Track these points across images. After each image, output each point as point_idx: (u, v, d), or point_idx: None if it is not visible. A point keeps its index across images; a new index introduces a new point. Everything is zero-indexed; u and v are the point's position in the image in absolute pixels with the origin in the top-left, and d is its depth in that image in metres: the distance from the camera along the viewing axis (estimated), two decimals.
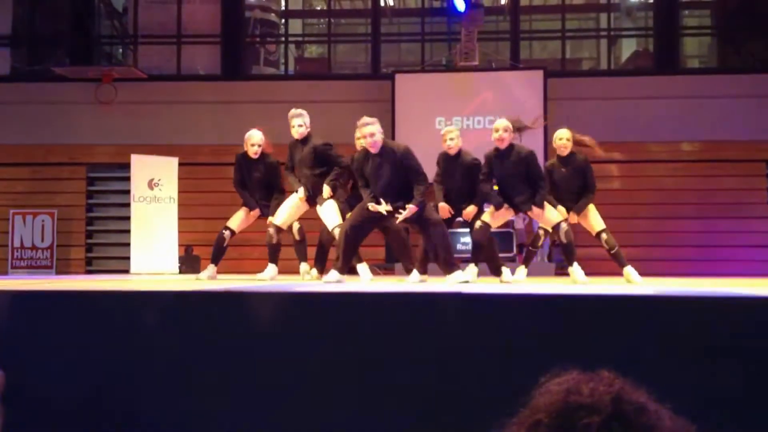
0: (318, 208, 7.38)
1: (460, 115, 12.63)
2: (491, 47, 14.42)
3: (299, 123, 7.43)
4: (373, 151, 6.36)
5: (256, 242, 12.77)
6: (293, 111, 7.54)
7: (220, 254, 7.88)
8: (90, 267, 12.98)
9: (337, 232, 7.02)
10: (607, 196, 12.58)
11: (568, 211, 6.90)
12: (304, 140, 7.53)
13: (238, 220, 7.90)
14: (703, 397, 2.78)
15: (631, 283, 6.69)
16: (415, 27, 14.29)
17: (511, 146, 6.59)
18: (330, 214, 7.24)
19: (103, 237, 13.14)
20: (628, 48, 14.65)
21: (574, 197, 6.95)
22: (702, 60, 14.44)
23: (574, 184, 6.95)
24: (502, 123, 6.65)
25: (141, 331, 3.76)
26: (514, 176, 6.55)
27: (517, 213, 6.99)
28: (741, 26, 12.78)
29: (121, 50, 14.47)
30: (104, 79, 12.95)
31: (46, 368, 3.78)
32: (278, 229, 7.51)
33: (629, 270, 6.85)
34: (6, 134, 13.00)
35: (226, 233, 7.83)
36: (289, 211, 7.51)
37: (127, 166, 11.17)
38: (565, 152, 6.97)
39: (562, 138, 7.04)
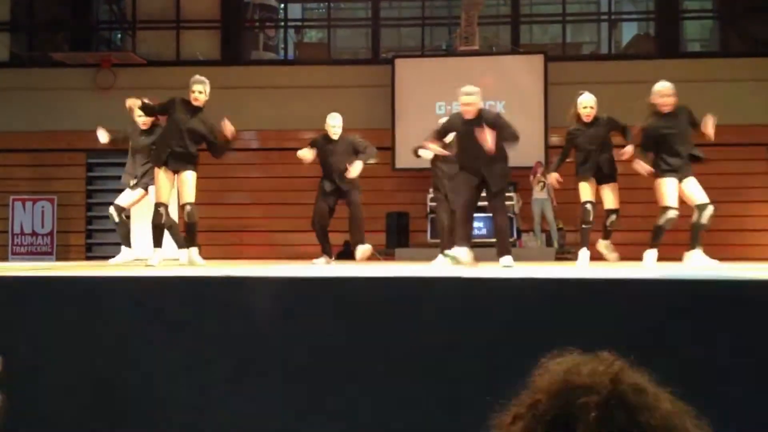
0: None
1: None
2: (492, 31, 14.36)
3: None
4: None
5: (253, 228, 12.79)
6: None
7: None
8: (90, 253, 12.98)
9: None
10: None
11: (599, 177, 7.10)
12: None
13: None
14: (705, 380, 2.78)
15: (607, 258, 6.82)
16: (415, 11, 14.22)
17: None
18: None
19: (103, 223, 13.12)
20: (629, 32, 14.58)
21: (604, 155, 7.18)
22: (703, 44, 14.37)
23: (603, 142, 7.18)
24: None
25: (141, 316, 3.76)
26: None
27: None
28: (742, 9, 12.71)
29: (120, 36, 14.41)
30: (103, 65, 12.91)
31: (45, 353, 3.77)
32: None
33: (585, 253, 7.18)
34: (5, 121, 12.97)
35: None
36: None
37: (126, 152, 11.12)
38: (589, 119, 7.18)
39: (587, 106, 7.19)
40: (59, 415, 3.65)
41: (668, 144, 6.82)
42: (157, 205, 7.03)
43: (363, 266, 6.95)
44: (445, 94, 12.63)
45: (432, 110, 12.60)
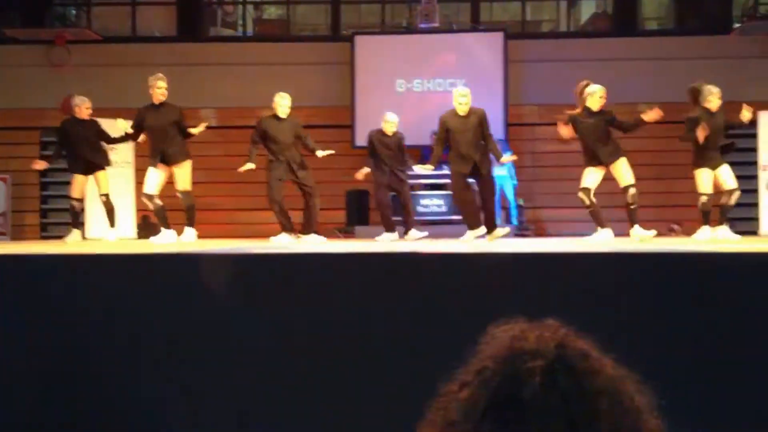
0: None
1: (420, 78, 12.59)
2: (452, 9, 14.32)
3: None
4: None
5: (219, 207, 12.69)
6: None
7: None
8: (45, 233, 12.78)
9: None
10: (568, 157, 12.67)
11: (599, 160, 7.42)
12: None
13: None
14: (652, 350, 2.83)
15: (642, 240, 7.17)
16: None
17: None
18: None
19: (57, 202, 12.92)
20: (587, 10, 14.66)
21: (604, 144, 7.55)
22: (660, 22, 14.51)
23: (603, 131, 7.58)
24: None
25: (97, 295, 3.72)
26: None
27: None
28: None
29: (74, 11, 14.10)
30: (57, 42, 12.64)
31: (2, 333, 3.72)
32: None
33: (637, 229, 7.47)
34: None
35: None
36: None
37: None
38: (597, 107, 7.59)
39: (603, 96, 7.66)
40: (10, 398, 3.61)
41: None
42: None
43: (323, 244, 6.95)
44: (405, 72, 12.61)
45: (392, 88, 12.57)
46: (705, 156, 7.80)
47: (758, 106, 11.27)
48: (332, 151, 8.22)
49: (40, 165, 8.72)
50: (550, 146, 12.75)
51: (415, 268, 3.53)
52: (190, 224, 7.79)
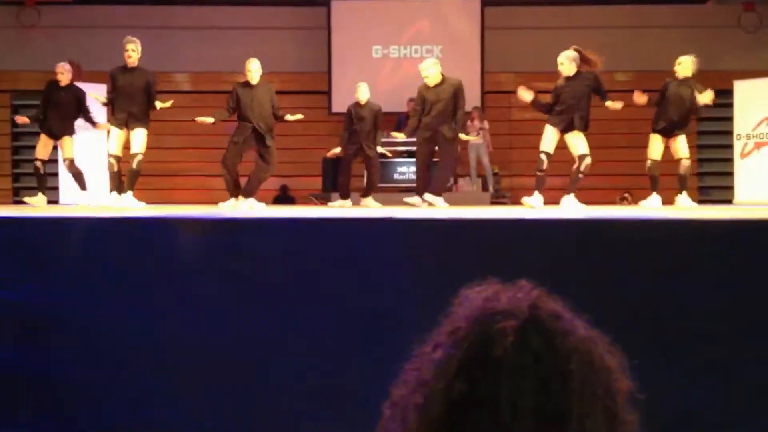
0: None
1: (396, 44, 12.51)
2: None
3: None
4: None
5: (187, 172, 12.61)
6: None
7: None
8: (18, 198, 12.62)
9: None
10: (542, 126, 12.69)
11: (581, 124, 7.48)
12: None
13: None
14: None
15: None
16: None
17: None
18: None
19: (30, 167, 12.75)
20: None
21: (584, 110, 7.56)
22: None
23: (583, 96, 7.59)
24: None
25: (69, 258, 3.69)
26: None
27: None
28: None
29: None
30: (27, 2, 12.40)
31: None
32: None
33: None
34: None
35: None
36: None
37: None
38: (570, 72, 7.52)
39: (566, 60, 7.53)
40: None
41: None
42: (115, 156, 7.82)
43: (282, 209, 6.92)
44: (382, 38, 12.52)
45: (369, 53, 12.49)
46: (658, 122, 7.98)
47: (733, 75, 11.35)
48: (301, 116, 8.10)
49: (22, 120, 8.69)
50: (527, 114, 12.75)
51: (388, 232, 3.53)
52: (131, 188, 7.66)
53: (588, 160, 7.46)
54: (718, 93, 11.88)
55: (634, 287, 3.17)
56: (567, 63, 7.50)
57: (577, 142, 7.47)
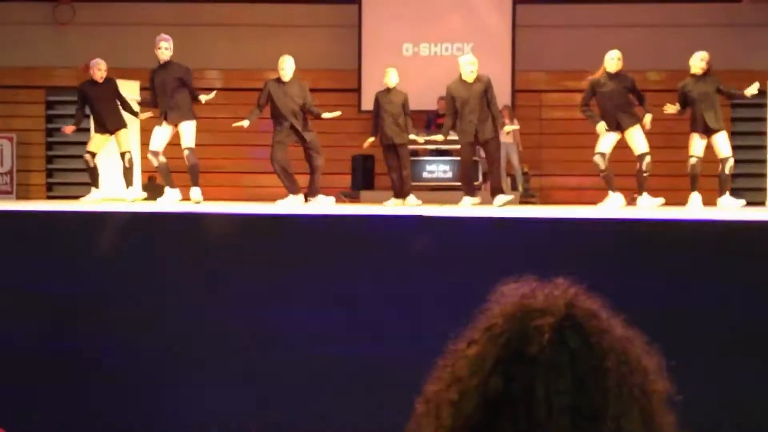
0: None
1: (427, 42, 12.49)
2: None
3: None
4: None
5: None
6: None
7: None
8: (51, 193, 12.80)
9: None
10: (575, 125, 12.59)
11: (617, 124, 7.57)
12: None
13: None
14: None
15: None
16: None
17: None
18: None
19: (63, 162, 12.92)
20: None
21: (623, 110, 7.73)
22: None
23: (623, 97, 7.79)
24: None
25: (100, 252, 3.74)
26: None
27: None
28: None
29: None
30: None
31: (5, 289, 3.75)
32: None
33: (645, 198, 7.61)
34: None
35: None
36: None
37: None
38: (615, 69, 7.77)
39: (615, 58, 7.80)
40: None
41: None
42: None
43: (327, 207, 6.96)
44: (413, 35, 12.50)
45: (399, 51, 12.48)
46: (695, 120, 7.88)
47: (766, 75, 11.18)
48: (338, 113, 8.21)
49: (69, 129, 8.83)
50: (557, 113, 12.68)
51: (422, 230, 3.54)
52: (195, 183, 7.89)
53: (648, 158, 7.52)
54: None
55: (671, 287, 3.14)
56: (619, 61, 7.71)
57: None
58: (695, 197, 7.90)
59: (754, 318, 3.14)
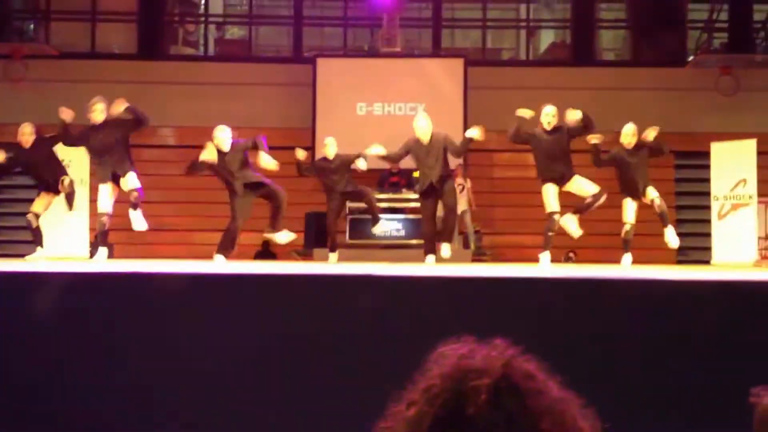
0: None
1: (381, 101, 12.66)
2: (413, 34, 14.47)
3: None
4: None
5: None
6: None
7: None
8: None
9: None
10: (526, 183, 12.79)
11: (560, 177, 7.61)
12: None
13: None
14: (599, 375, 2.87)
15: None
16: (337, 11, 14.22)
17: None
18: None
19: (11, 220, 12.68)
20: (546, 39, 14.92)
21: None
22: (617, 53, 14.82)
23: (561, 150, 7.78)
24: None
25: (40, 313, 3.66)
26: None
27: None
28: (654, 20, 13.16)
29: (32, 26, 13.94)
30: (14, 56, 12.49)
31: None
32: None
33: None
34: None
35: None
36: None
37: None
38: (549, 127, 7.70)
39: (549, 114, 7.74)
40: None
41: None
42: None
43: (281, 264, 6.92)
44: (367, 95, 12.67)
45: (353, 110, 12.62)
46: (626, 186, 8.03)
47: (711, 137, 11.54)
48: (276, 163, 8.18)
49: None
50: (509, 172, 12.88)
51: (368, 289, 3.54)
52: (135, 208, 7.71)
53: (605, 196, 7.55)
54: (696, 155, 12.12)
55: (612, 347, 3.18)
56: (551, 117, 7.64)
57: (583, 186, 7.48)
58: (627, 258, 7.94)
59: (690, 380, 3.19)
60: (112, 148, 7.67)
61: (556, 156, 7.64)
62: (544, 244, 7.53)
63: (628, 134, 8.02)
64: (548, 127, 7.67)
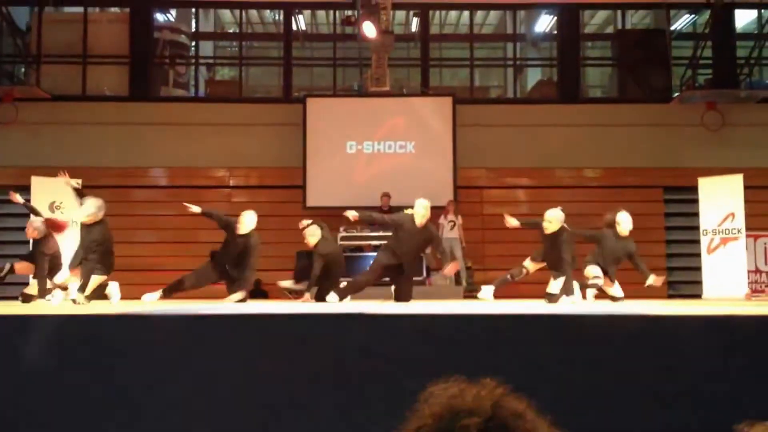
0: None
1: (371, 140, 12.75)
2: (402, 73, 14.63)
3: None
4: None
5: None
6: None
7: None
8: None
9: None
10: None
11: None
12: None
13: None
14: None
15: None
16: (327, 52, 14.37)
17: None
18: None
19: (3, 262, 12.61)
20: (533, 77, 15.10)
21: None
22: (603, 90, 15.00)
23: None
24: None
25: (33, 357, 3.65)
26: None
27: None
28: (639, 58, 13.34)
29: (23, 69, 14.02)
30: (5, 99, 12.54)
31: None
32: None
33: None
34: None
35: None
36: None
37: (27, 189, 10.82)
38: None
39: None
40: None
41: None
42: None
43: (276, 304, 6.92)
44: (356, 134, 12.76)
45: (343, 149, 12.70)
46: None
47: (697, 172, 11.66)
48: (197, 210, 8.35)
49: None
50: (499, 209, 12.93)
51: (358, 327, 3.55)
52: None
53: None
54: (684, 189, 12.21)
55: (601, 384, 3.19)
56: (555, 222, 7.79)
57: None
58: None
59: (680, 415, 3.20)
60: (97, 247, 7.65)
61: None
62: (497, 281, 8.30)
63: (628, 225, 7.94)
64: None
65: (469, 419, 0.95)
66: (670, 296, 11.76)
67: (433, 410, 0.99)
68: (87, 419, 3.58)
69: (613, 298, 7.86)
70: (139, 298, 8.37)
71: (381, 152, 12.72)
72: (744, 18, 14.10)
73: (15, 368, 3.70)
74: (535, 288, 8.98)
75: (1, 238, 12.69)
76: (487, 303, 7.41)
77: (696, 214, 11.30)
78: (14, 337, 3.80)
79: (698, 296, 10.91)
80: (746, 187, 10.77)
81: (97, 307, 6.00)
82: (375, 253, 9.26)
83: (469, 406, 0.98)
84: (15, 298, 8.50)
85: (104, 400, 3.61)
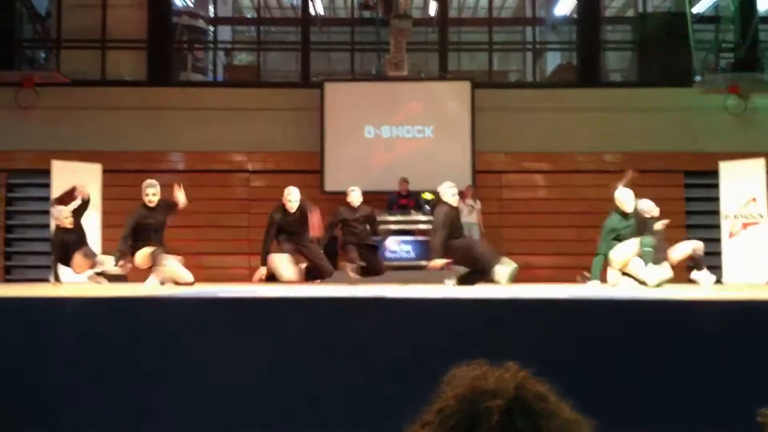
0: None
1: (388, 124, 12.72)
2: (420, 58, 14.56)
3: None
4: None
5: None
6: None
7: None
8: (9, 276, 12.59)
9: None
10: (535, 204, 12.82)
11: None
12: None
13: None
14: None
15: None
16: (345, 36, 14.34)
17: None
18: None
19: (22, 245, 12.76)
20: (552, 61, 14.99)
21: None
22: (623, 74, 14.86)
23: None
24: None
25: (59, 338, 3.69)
26: None
27: None
28: (660, 42, 13.20)
29: (43, 55, 14.09)
30: (25, 84, 12.61)
31: None
32: None
33: None
34: None
35: None
36: None
37: (48, 173, 10.90)
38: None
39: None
40: None
41: None
42: None
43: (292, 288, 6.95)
44: (374, 118, 12.74)
45: (361, 134, 12.68)
46: None
47: (719, 156, 11.55)
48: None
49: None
50: (517, 193, 12.90)
51: (380, 311, 3.55)
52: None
53: None
54: (705, 174, 12.09)
55: (625, 368, 3.18)
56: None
57: None
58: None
59: (701, 399, 3.18)
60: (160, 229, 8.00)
61: None
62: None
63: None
64: None
65: (492, 401, 0.95)
66: (690, 281, 11.68)
67: (456, 392, 0.99)
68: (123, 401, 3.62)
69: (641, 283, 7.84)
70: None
71: (399, 137, 12.69)
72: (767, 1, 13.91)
73: (58, 351, 3.74)
74: (550, 273, 8.95)
75: (22, 221, 12.81)
76: (502, 287, 7.36)
77: (717, 199, 11.20)
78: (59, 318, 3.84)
79: (719, 281, 10.82)
80: None
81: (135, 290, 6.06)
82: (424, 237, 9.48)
83: (492, 388, 0.98)
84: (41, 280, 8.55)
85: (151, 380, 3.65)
